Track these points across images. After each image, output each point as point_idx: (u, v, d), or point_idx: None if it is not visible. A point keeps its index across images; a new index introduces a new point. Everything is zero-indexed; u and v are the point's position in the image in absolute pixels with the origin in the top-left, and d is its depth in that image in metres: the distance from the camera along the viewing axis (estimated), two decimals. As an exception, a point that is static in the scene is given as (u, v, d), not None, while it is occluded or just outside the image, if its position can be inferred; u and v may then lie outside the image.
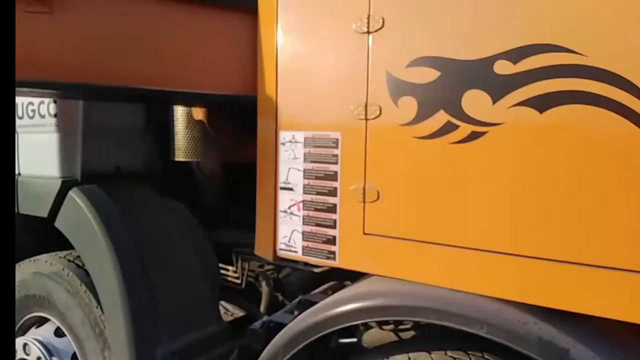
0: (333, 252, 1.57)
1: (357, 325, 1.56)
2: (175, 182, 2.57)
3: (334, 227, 1.56)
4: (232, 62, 1.79)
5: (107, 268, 1.96)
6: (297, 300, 2.14)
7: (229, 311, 3.10)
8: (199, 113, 2.16)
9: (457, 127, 1.28)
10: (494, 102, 1.23)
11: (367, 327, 1.95)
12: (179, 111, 2.23)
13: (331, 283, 2.30)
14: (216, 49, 1.75)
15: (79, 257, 2.25)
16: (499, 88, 1.23)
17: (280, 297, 2.66)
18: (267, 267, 2.65)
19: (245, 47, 1.77)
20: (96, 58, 1.57)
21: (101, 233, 1.96)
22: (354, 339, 1.78)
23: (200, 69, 1.75)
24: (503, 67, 1.22)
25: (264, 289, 2.55)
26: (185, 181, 2.63)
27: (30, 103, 2.23)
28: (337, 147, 1.53)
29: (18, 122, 2.32)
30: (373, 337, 2.02)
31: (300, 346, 1.56)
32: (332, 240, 1.57)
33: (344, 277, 2.33)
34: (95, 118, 2.20)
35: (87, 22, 1.53)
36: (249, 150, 2.19)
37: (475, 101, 1.26)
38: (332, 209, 1.56)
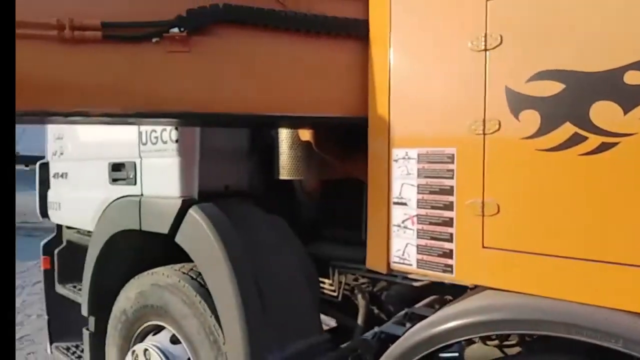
0: (450, 266, 1.60)
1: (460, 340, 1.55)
2: (278, 199, 2.71)
3: (450, 240, 1.59)
4: (339, 86, 1.87)
5: (224, 279, 2.10)
6: (402, 312, 2.18)
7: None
8: (304, 133, 2.28)
9: (586, 138, 1.28)
10: (625, 112, 1.22)
11: (469, 342, 1.93)
12: (284, 132, 2.36)
13: (434, 297, 2.32)
14: (326, 74, 1.84)
15: (193, 269, 2.42)
16: (630, 98, 1.22)
17: (376, 310, 2.70)
18: (361, 280, 2.71)
19: (352, 71, 1.85)
20: (222, 90, 1.71)
21: (219, 247, 2.11)
22: (456, 354, 1.77)
23: (310, 93, 1.84)
24: (634, 78, 1.21)
25: (360, 301, 2.60)
26: (287, 198, 2.76)
27: (153, 130, 2.47)
28: (452, 162, 1.56)
29: (142, 147, 2.56)
30: (475, 352, 2.00)
31: (416, 358, 1.60)
32: (448, 254, 1.60)
33: (443, 292, 2.34)
34: (209, 142, 2.38)
35: (217, 59, 1.67)
36: (350, 167, 2.28)
37: (604, 112, 1.25)
38: (449, 222, 1.59)
